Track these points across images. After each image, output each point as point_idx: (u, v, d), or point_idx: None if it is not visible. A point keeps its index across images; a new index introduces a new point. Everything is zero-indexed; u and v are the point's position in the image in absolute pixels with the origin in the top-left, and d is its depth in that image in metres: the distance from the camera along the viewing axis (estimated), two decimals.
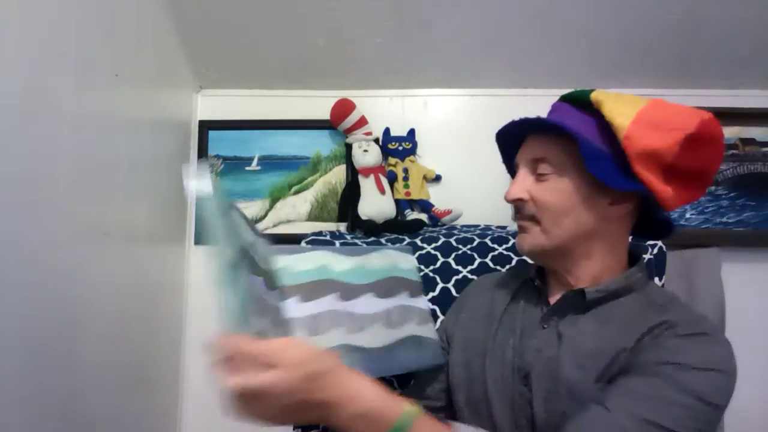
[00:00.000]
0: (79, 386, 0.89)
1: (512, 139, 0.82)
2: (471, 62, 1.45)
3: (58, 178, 0.84)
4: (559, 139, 0.74)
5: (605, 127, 0.72)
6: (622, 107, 0.72)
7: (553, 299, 0.80)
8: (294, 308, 0.76)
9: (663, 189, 0.70)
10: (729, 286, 1.38)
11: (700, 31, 1.33)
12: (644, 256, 1.14)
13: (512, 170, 0.87)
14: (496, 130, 0.83)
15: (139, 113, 1.16)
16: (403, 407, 0.59)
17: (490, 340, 0.82)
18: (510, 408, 0.75)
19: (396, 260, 0.87)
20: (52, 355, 0.81)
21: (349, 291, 0.81)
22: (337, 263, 0.82)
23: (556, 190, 0.75)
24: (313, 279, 0.79)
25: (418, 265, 0.86)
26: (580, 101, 0.76)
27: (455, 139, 1.51)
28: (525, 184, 0.78)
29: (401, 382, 1.14)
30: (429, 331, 0.84)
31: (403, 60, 1.44)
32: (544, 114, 0.80)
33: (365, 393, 0.58)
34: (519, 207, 0.78)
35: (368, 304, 0.81)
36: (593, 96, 0.74)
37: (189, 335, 1.43)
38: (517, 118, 0.79)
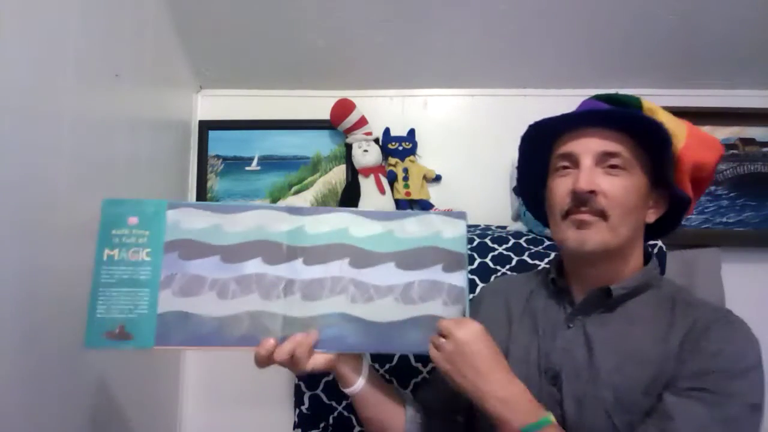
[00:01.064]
0: (79, 386, 0.90)
1: (549, 132, 0.80)
2: (471, 62, 1.45)
3: (58, 178, 0.84)
4: (627, 135, 0.74)
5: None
6: (673, 118, 0.77)
7: (576, 297, 0.80)
8: (296, 270, 0.76)
9: (693, 197, 0.78)
10: (729, 286, 1.38)
11: (700, 31, 1.33)
12: None
13: (529, 163, 0.85)
14: (566, 112, 0.78)
15: (139, 113, 1.16)
16: (542, 414, 0.68)
17: (511, 344, 0.81)
18: None
19: (439, 228, 0.79)
20: (52, 355, 0.81)
21: (364, 257, 0.78)
22: (359, 227, 0.78)
23: (628, 187, 0.74)
24: (326, 242, 0.77)
25: (466, 235, 0.81)
26: (621, 104, 0.78)
27: (455, 139, 1.51)
28: (595, 175, 0.74)
29: (401, 379, 1.14)
30: (456, 312, 0.77)
31: (403, 60, 1.44)
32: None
33: (517, 383, 0.71)
34: (586, 200, 0.73)
35: (385, 275, 0.77)
36: (647, 104, 0.77)
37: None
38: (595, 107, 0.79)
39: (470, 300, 0.96)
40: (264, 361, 0.73)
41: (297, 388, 1.21)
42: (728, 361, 0.66)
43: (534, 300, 0.84)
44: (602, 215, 0.73)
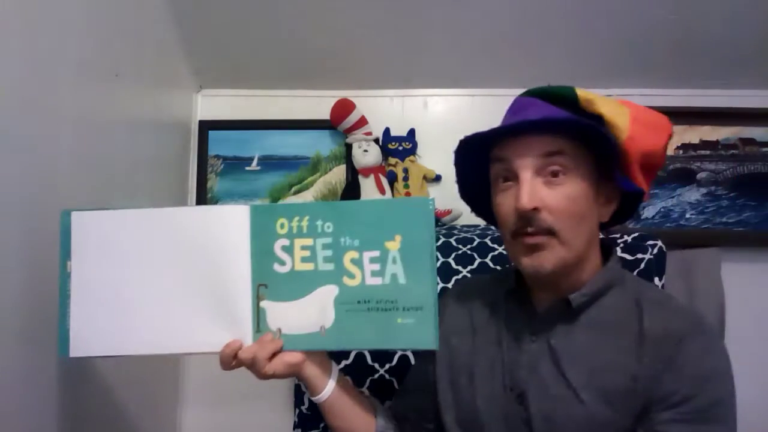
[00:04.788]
0: (79, 387, 0.90)
1: (478, 148, 0.75)
2: (471, 62, 1.45)
3: (58, 178, 0.84)
4: (566, 137, 0.68)
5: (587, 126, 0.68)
6: (614, 107, 0.71)
7: (538, 308, 0.76)
8: None
9: (643, 184, 0.72)
10: (729, 286, 1.38)
11: (700, 31, 1.33)
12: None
13: (465, 178, 0.80)
14: (475, 132, 0.74)
15: (139, 113, 1.16)
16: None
17: (475, 356, 0.78)
18: (504, 428, 0.73)
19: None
20: (52, 357, 0.81)
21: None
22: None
23: (573, 195, 0.68)
24: None
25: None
26: (557, 98, 0.71)
27: (455, 139, 1.49)
28: (535, 190, 0.68)
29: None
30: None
31: (403, 60, 1.44)
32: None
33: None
34: (530, 219, 0.68)
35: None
36: (582, 95, 0.71)
37: None
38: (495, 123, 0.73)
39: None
40: (228, 361, 0.70)
41: (297, 388, 1.21)
42: (708, 383, 0.64)
43: (498, 307, 0.80)
44: (551, 232, 0.68)
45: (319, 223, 0.72)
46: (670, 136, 0.73)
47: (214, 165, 1.50)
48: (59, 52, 0.84)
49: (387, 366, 1.14)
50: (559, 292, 0.73)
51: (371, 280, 0.71)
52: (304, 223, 0.73)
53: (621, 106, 0.71)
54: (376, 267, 0.71)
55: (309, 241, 0.72)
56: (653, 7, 1.27)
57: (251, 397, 1.41)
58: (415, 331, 0.69)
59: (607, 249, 0.77)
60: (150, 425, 1.23)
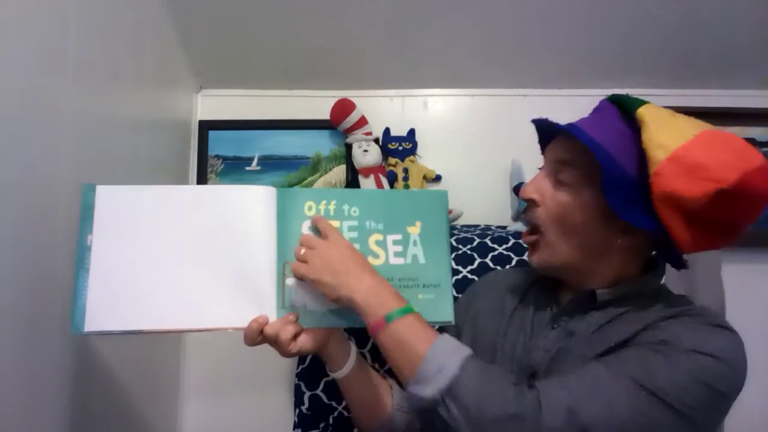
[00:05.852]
0: (79, 387, 0.89)
1: (545, 132, 0.80)
2: (471, 62, 1.45)
3: (58, 178, 0.84)
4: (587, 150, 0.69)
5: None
6: (665, 136, 0.65)
7: (563, 299, 0.79)
8: None
9: (682, 232, 0.66)
10: (729, 286, 1.38)
11: (699, 31, 1.33)
12: None
13: None
14: (533, 119, 0.78)
15: (139, 113, 1.16)
16: (406, 303, 0.69)
17: (500, 338, 0.81)
18: None
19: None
20: (52, 359, 0.81)
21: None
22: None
23: (570, 205, 0.72)
24: None
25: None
26: (626, 109, 0.71)
27: (455, 139, 1.51)
28: (542, 185, 0.75)
29: None
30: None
31: (403, 60, 1.44)
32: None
33: (384, 280, 0.72)
34: (528, 208, 0.76)
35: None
36: (640, 112, 0.68)
37: (189, 336, 1.43)
38: (545, 118, 0.76)
39: (467, 291, 0.97)
40: (254, 336, 0.72)
41: (297, 388, 1.21)
42: (685, 341, 0.62)
43: (528, 297, 0.84)
44: (540, 231, 0.74)
45: (345, 207, 0.79)
46: (716, 190, 0.61)
47: (214, 165, 1.50)
48: (59, 52, 0.84)
49: (387, 366, 1.14)
50: (583, 284, 0.76)
51: (394, 260, 0.78)
52: (332, 207, 0.78)
53: (676, 137, 0.65)
54: (399, 248, 0.78)
55: (336, 223, 0.78)
56: (653, 7, 1.27)
57: (251, 397, 1.41)
58: (434, 306, 0.77)
59: (653, 265, 0.78)
60: (151, 423, 1.23)
